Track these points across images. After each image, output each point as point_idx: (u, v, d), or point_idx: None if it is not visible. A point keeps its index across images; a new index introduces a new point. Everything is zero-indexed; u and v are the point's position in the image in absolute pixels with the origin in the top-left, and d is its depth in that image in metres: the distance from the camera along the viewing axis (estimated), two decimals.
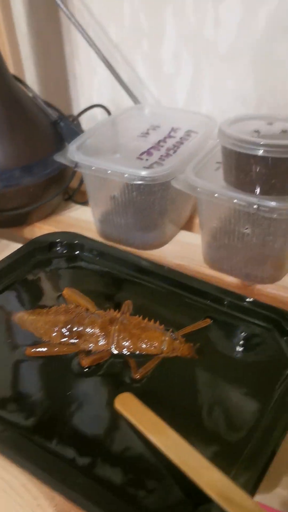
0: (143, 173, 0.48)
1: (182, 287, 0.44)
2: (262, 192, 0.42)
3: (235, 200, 0.44)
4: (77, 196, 0.64)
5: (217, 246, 0.50)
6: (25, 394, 0.35)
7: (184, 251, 0.55)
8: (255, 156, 0.40)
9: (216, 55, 0.68)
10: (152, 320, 0.40)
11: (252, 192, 0.43)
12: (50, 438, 0.31)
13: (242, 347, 0.39)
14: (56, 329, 0.39)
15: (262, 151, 0.40)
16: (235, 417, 0.33)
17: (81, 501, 0.28)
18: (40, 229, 0.60)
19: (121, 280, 0.46)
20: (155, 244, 0.56)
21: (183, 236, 0.58)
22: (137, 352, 0.38)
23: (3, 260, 0.46)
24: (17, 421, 0.33)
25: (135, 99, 0.69)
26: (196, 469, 0.29)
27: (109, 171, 0.49)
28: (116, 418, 0.33)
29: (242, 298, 0.42)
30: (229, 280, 0.50)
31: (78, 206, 0.64)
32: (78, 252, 0.49)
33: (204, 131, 0.56)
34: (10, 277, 0.46)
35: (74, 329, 0.39)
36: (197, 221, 0.60)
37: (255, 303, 0.41)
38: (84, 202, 0.64)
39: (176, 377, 0.36)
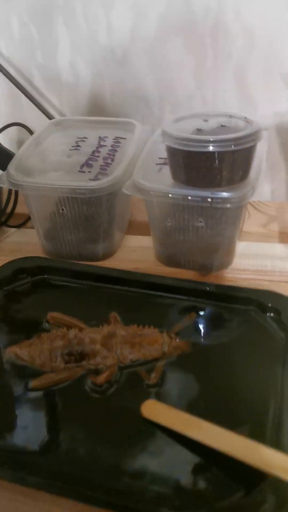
0: (93, 184, 0.48)
1: (157, 288, 0.46)
2: (214, 185, 0.46)
3: (189, 197, 0.46)
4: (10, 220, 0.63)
5: (171, 244, 0.53)
6: (52, 428, 0.34)
7: (135, 255, 0.57)
8: (206, 153, 0.43)
9: (114, 60, 0.70)
10: (146, 326, 0.41)
11: (204, 186, 0.46)
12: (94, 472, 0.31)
13: (231, 331, 0.42)
14: (57, 355, 0.38)
15: (211, 147, 0.43)
16: (250, 396, 0.36)
17: None
18: None
19: (97, 293, 0.46)
20: (106, 254, 0.57)
21: (129, 241, 0.59)
22: (142, 359, 0.39)
23: None
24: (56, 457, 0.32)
25: (46, 113, 0.68)
26: (244, 450, 0.31)
27: (59, 189, 0.49)
28: (147, 427, 0.33)
29: (219, 286, 0.45)
30: (186, 274, 0.53)
31: (13, 230, 0.62)
32: (45, 275, 0.48)
33: (131, 136, 0.58)
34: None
35: (76, 351, 0.39)
36: (136, 224, 0.62)
37: (232, 288, 0.45)
38: (19, 225, 0.63)
39: (185, 373, 0.38)
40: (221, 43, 0.65)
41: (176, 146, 0.45)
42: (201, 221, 0.49)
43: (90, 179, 0.50)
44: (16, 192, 0.60)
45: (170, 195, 0.47)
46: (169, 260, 0.54)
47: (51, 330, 0.41)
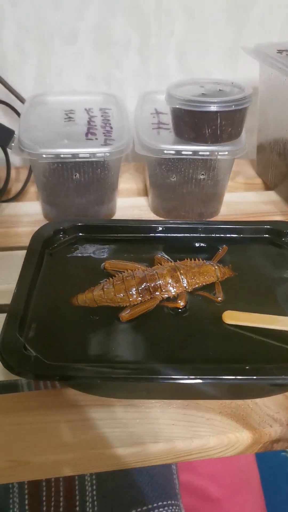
0: (109, 148, 0.54)
1: (186, 231, 0.53)
2: (218, 141, 0.54)
3: (200, 152, 0.55)
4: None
5: (173, 197, 0.60)
6: (150, 345, 0.41)
7: (133, 213, 0.64)
8: (214, 112, 0.52)
9: (61, 39, 0.73)
10: (196, 259, 0.49)
11: (211, 142, 0.54)
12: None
13: (256, 254, 0.52)
14: (132, 291, 0.45)
15: (217, 107, 0.51)
16: None
17: None
18: None
19: (132, 243, 0.52)
20: (108, 215, 0.62)
21: (121, 202, 0.65)
22: (203, 284, 0.47)
23: (25, 263, 0.47)
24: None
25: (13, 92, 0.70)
26: None
27: (80, 155, 0.53)
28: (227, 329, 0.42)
29: (240, 222, 0.54)
30: None
31: (5, 205, 0.65)
32: (80, 233, 0.53)
33: (115, 106, 0.64)
34: (48, 274, 0.47)
35: (150, 285, 0.45)
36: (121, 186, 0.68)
37: (250, 222, 0.54)
38: (10, 199, 0.65)
39: (238, 288, 0.47)
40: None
41: (188, 108, 0.52)
42: (203, 174, 0.58)
43: (102, 145, 0.55)
44: (29, 171, 0.62)
45: (183, 152, 0.54)
46: (169, 213, 0.62)
47: (115, 275, 0.47)
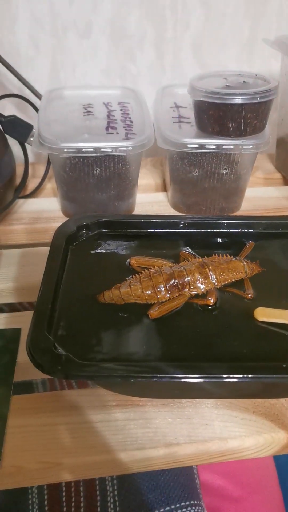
0: (132, 142, 0.53)
1: (212, 227, 0.52)
2: (246, 134, 0.53)
3: (224, 146, 0.53)
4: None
5: (195, 192, 0.59)
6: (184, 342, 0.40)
7: (153, 209, 0.63)
8: (244, 105, 0.51)
9: (75, 32, 0.72)
10: (224, 255, 0.48)
11: (236, 135, 0.53)
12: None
13: (284, 251, 0.50)
14: (161, 288, 0.44)
15: (242, 99, 0.50)
16: None
17: None
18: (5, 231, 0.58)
19: (156, 239, 0.51)
20: (127, 211, 0.61)
21: (140, 198, 0.64)
22: (232, 280, 0.46)
23: (49, 259, 0.46)
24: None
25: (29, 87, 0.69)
26: None
27: (102, 149, 0.52)
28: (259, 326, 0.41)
29: (268, 217, 0.53)
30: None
31: (22, 201, 0.64)
32: (103, 229, 0.51)
33: (134, 100, 0.63)
34: (73, 271, 0.46)
35: (179, 282, 0.44)
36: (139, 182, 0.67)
37: (278, 217, 0.53)
38: (28, 195, 0.64)
39: (268, 285, 0.46)
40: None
41: (212, 100, 0.51)
42: (225, 168, 0.57)
43: (123, 139, 0.54)
44: (48, 164, 0.61)
45: (206, 146, 0.53)
46: (189, 208, 0.61)
47: (141, 271, 0.46)
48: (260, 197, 0.65)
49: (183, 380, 0.36)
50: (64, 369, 0.35)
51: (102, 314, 0.42)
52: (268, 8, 0.73)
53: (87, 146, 0.51)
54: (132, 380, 0.36)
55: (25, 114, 0.73)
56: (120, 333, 0.40)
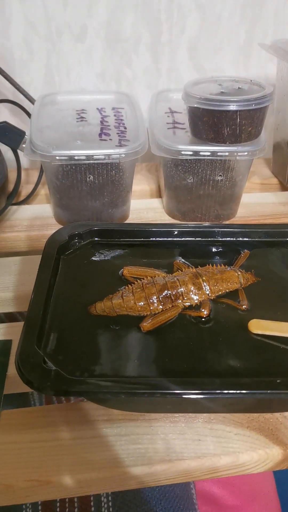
0: (125, 149, 0.52)
1: (206, 235, 0.51)
2: (238, 141, 0.52)
3: (219, 153, 0.53)
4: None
5: (190, 199, 0.58)
6: (175, 355, 0.39)
7: (148, 216, 0.62)
8: (233, 111, 0.50)
9: (70, 36, 0.71)
10: (218, 265, 0.47)
11: (230, 142, 0.52)
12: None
13: (280, 258, 0.50)
14: (153, 299, 0.43)
15: (237, 106, 0.49)
16: None
17: None
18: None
19: (150, 248, 0.50)
20: (121, 218, 0.60)
21: (134, 204, 0.63)
22: (226, 291, 0.45)
23: (40, 269, 0.45)
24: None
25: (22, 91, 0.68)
26: None
27: (95, 156, 0.51)
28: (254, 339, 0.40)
29: (263, 225, 0.52)
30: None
31: (15, 207, 0.63)
32: (95, 238, 0.51)
33: (128, 105, 0.62)
34: (64, 281, 0.45)
35: (172, 293, 0.43)
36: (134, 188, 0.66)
37: (273, 225, 0.52)
38: (21, 202, 0.63)
39: (263, 295, 0.45)
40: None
41: (206, 107, 0.50)
42: (221, 175, 0.56)
43: (116, 146, 0.54)
44: (42, 170, 0.61)
45: (201, 153, 0.52)
46: (184, 215, 0.60)
47: (134, 281, 0.45)
48: (257, 203, 0.64)
49: (174, 396, 0.35)
50: (53, 386, 0.35)
51: (93, 326, 0.41)
52: (264, 12, 0.72)
53: (80, 153, 0.51)
54: (123, 396, 0.35)
55: (19, 119, 0.72)
56: (111, 346, 0.39)
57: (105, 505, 0.56)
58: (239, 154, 0.52)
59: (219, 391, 0.34)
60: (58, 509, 0.56)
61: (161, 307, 0.43)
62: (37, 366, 0.35)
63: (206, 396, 0.34)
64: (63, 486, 0.35)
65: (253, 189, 0.68)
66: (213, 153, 0.52)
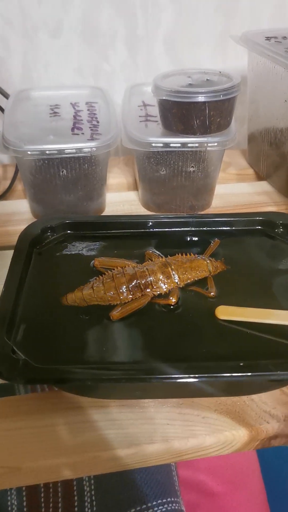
0: (97, 143, 0.53)
1: (177, 225, 0.52)
2: (207, 132, 0.53)
3: (189, 144, 0.53)
4: None
5: (164, 191, 0.59)
6: (147, 342, 0.40)
7: (124, 208, 0.62)
8: (202, 103, 0.51)
9: (46, 32, 0.72)
10: (187, 254, 0.48)
11: (200, 133, 0.53)
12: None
13: (249, 247, 0.50)
14: (123, 289, 0.44)
15: (205, 97, 0.50)
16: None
17: None
18: None
19: (122, 239, 0.51)
20: (97, 211, 0.61)
21: (111, 197, 0.64)
22: (195, 279, 0.46)
23: (13, 263, 0.46)
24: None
25: None
26: None
27: (66, 150, 0.52)
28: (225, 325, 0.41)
29: (233, 215, 0.53)
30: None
31: None
32: (68, 231, 0.51)
33: (102, 99, 0.62)
34: (37, 274, 0.46)
35: (141, 282, 0.44)
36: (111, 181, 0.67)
37: (243, 214, 0.53)
38: None
39: (229, 283, 0.46)
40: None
41: (175, 99, 0.51)
42: (193, 166, 0.56)
43: (88, 140, 0.54)
44: (16, 169, 0.61)
45: (171, 145, 0.53)
46: (159, 207, 0.61)
47: (105, 272, 0.46)
48: (232, 193, 0.65)
49: (141, 382, 0.36)
50: (21, 374, 0.35)
51: (64, 317, 0.42)
52: (240, 4, 0.72)
53: (51, 148, 0.51)
54: (89, 383, 0.36)
55: None
56: (81, 335, 0.40)
57: (88, 494, 0.57)
58: (209, 145, 0.53)
59: (184, 375, 0.35)
60: (42, 499, 0.57)
61: (130, 296, 0.43)
62: (5, 356, 0.36)
63: (171, 381, 0.35)
64: (34, 471, 0.36)
65: (229, 180, 0.69)
66: (183, 145, 0.53)
